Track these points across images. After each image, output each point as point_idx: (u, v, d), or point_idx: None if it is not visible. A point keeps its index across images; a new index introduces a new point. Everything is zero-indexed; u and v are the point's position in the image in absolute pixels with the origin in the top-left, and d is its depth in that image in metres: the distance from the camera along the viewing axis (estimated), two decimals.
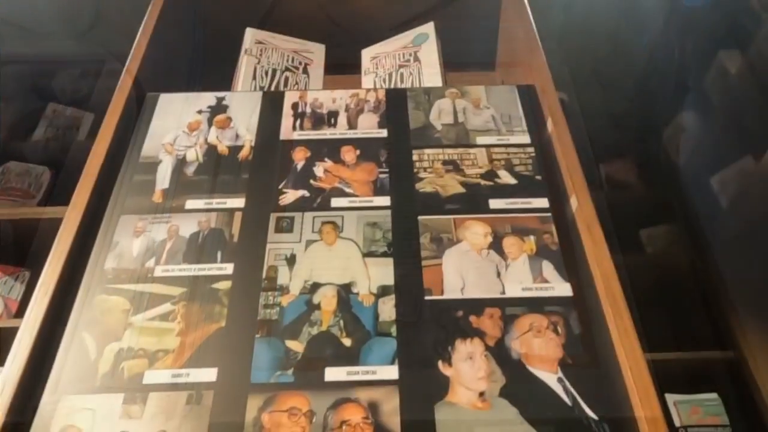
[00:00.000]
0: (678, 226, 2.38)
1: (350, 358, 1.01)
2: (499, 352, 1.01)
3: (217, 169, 1.27)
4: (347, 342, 1.03)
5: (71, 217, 1.18)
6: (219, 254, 1.13)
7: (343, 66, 1.80)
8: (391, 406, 0.95)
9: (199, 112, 1.39)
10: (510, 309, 1.06)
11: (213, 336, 1.03)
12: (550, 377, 0.99)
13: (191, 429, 0.93)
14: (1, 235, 2.10)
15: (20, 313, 1.79)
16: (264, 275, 1.10)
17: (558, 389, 0.98)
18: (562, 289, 1.09)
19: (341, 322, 1.05)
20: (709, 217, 2.19)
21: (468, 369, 1.00)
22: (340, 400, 0.96)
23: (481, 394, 0.98)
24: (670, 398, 2.01)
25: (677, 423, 1.95)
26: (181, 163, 1.29)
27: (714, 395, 1.98)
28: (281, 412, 0.95)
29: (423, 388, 0.97)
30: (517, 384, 0.98)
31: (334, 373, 0.99)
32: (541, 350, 1.02)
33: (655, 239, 2.51)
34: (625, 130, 2.64)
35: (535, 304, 1.07)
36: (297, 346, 1.02)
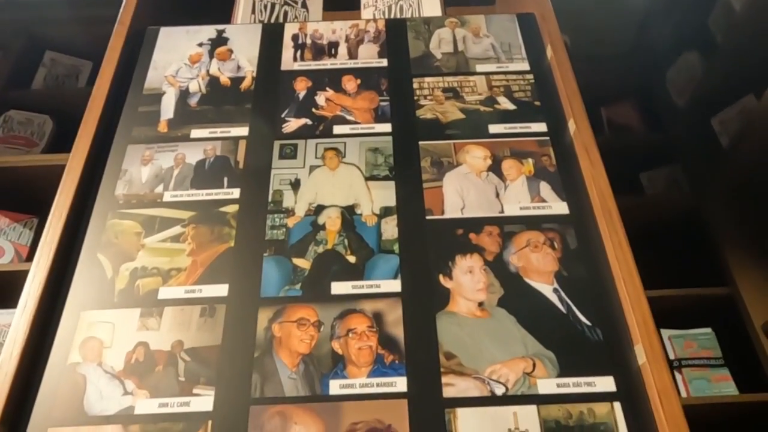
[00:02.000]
0: (678, 169, 2.40)
1: (355, 273, 1.05)
2: (498, 266, 1.06)
3: (220, 100, 1.29)
4: (352, 259, 1.07)
5: (73, 163, 1.20)
6: (225, 180, 1.17)
7: (341, 1, 1.78)
8: (394, 316, 1.01)
9: (200, 44, 1.40)
10: (508, 227, 1.10)
11: (223, 255, 1.08)
12: (546, 288, 1.04)
13: (206, 339, 0.99)
14: (7, 182, 2.14)
15: (31, 258, 1.83)
16: (270, 199, 1.14)
17: (554, 299, 1.03)
18: (559, 207, 1.12)
19: (346, 241, 1.09)
20: (709, 158, 2.20)
21: (468, 281, 1.04)
22: (346, 311, 1.01)
23: (480, 304, 1.03)
24: (665, 333, 2.08)
25: (671, 356, 2.02)
26: (184, 94, 1.31)
27: (708, 330, 2.05)
28: (291, 323, 1.00)
29: (425, 300, 1.02)
30: (515, 295, 1.03)
31: (339, 287, 1.04)
32: (538, 264, 1.06)
33: (655, 182, 2.53)
34: (627, 73, 2.62)
35: (532, 222, 1.10)
36: (304, 263, 1.07)
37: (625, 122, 2.60)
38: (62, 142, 2.24)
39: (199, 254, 1.07)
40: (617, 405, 0.92)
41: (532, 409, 0.92)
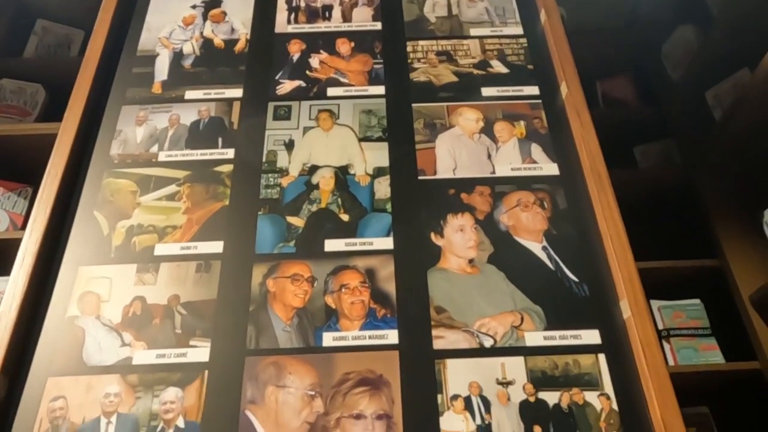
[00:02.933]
0: (671, 143, 2.41)
1: (348, 231, 1.07)
2: (488, 225, 1.08)
3: (214, 62, 1.29)
4: (345, 217, 1.09)
5: (68, 123, 1.20)
6: (220, 140, 1.18)
7: None
8: (386, 272, 1.03)
9: (194, 6, 1.39)
10: (499, 187, 1.12)
11: (218, 213, 1.09)
12: (535, 246, 1.06)
13: (202, 293, 1.01)
14: (1, 151, 2.13)
15: (25, 226, 1.84)
16: (264, 159, 1.15)
17: (542, 256, 1.05)
18: (550, 168, 1.14)
19: (339, 200, 1.11)
20: (703, 131, 2.21)
21: (459, 239, 1.06)
22: (339, 267, 1.03)
23: (471, 261, 1.05)
24: (655, 304, 2.11)
25: (660, 326, 2.06)
26: (178, 56, 1.31)
27: (696, 301, 2.08)
28: (285, 278, 1.02)
29: (416, 256, 1.04)
30: (504, 252, 1.05)
31: (333, 245, 1.06)
32: (527, 223, 1.08)
33: (648, 156, 2.54)
34: (623, 46, 2.61)
35: (523, 183, 1.12)
36: (298, 221, 1.09)
37: (620, 96, 2.60)
38: (55, 111, 2.23)
39: (194, 212, 1.09)
40: (602, 356, 0.95)
41: (520, 360, 0.95)
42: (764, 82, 1.78)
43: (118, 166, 1.15)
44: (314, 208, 1.09)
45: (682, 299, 2.06)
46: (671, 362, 1.95)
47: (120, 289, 1.01)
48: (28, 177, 2.10)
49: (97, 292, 1.01)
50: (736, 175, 2.12)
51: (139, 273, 1.03)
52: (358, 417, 0.91)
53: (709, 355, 1.97)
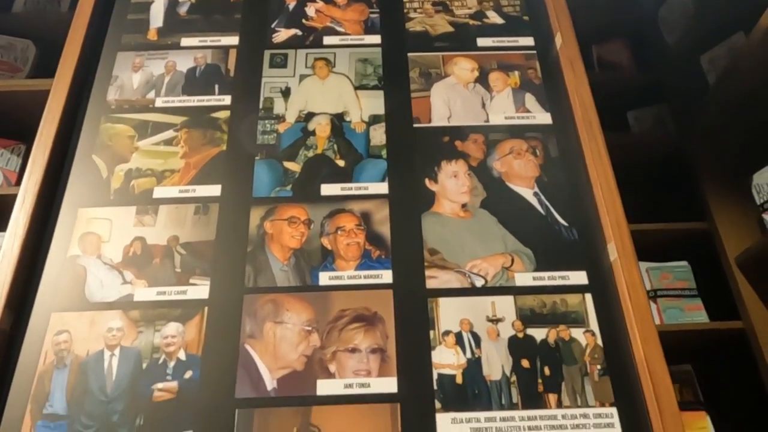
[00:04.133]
0: (665, 108, 2.42)
1: (344, 176, 1.09)
2: (481, 171, 1.10)
3: (209, 9, 1.29)
4: (341, 163, 1.11)
5: (64, 69, 1.20)
6: (216, 87, 1.18)
7: None
8: (381, 216, 1.05)
9: None
10: (493, 135, 1.14)
11: (215, 158, 1.11)
12: (527, 192, 1.09)
13: (201, 234, 1.03)
14: None
15: (19, 184, 1.84)
16: (261, 105, 1.16)
17: (534, 201, 1.08)
18: (543, 117, 1.16)
19: (335, 146, 1.12)
20: (696, 96, 2.23)
21: (452, 185, 1.09)
22: (335, 211, 1.06)
23: (464, 205, 1.07)
24: (643, 266, 2.15)
25: (648, 287, 2.11)
26: (173, 3, 1.30)
27: (684, 263, 2.12)
28: (282, 221, 1.05)
29: (411, 201, 1.07)
30: (497, 197, 1.08)
31: (329, 189, 1.08)
32: (519, 169, 1.10)
33: (641, 121, 2.56)
34: (619, 11, 2.60)
35: (516, 131, 1.14)
36: (294, 166, 1.10)
37: (615, 60, 2.60)
38: (45, 68, 2.20)
39: (192, 157, 1.10)
40: (588, 296, 0.99)
41: (509, 299, 0.98)
42: (758, 46, 1.78)
43: (115, 111, 1.15)
44: (310, 153, 1.11)
45: (671, 261, 2.11)
46: (657, 321, 2.00)
47: (120, 230, 1.03)
48: (20, 134, 2.08)
49: (97, 233, 1.03)
50: (727, 139, 2.14)
51: (138, 215, 1.05)
52: (354, 351, 0.94)
53: (694, 315, 2.03)
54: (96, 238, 1.02)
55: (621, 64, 2.60)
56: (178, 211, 1.05)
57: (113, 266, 1.00)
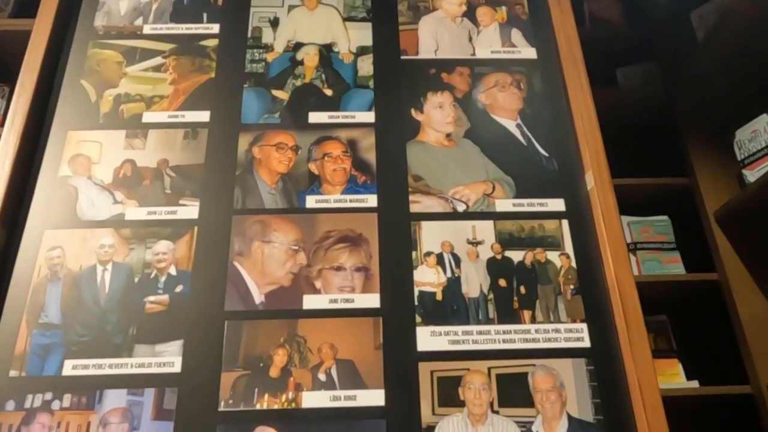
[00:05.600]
0: (653, 65, 2.44)
1: (331, 105, 1.11)
2: (466, 103, 1.13)
3: None
4: (328, 92, 1.13)
5: (43, 15, 1.17)
6: (205, 15, 1.18)
7: None
8: (368, 143, 1.08)
9: None
10: (478, 68, 1.16)
11: (204, 85, 1.12)
12: (510, 123, 1.12)
13: (190, 158, 1.05)
14: None
15: (2, 125, 1.81)
16: (249, 35, 1.17)
17: (516, 133, 1.11)
18: (528, 52, 1.18)
19: (323, 75, 1.14)
20: (685, 53, 2.24)
21: (437, 115, 1.11)
22: (322, 138, 1.08)
23: (448, 135, 1.10)
24: (625, 219, 2.21)
25: (628, 240, 2.17)
26: None
27: (664, 217, 2.18)
28: (270, 146, 1.07)
29: (396, 130, 1.09)
30: (480, 128, 1.11)
31: (316, 117, 1.10)
32: (504, 102, 1.13)
33: (630, 77, 2.57)
34: None
35: (501, 65, 1.16)
36: (282, 94, 1.12)
37: (606, 16, 2.59)
38: (27, 8, 2.15)
39: (180, 83, 1.11)
40: (565, 222, 1.03)
41: (489, 223, 1.02)
42: (747, 3, 1.80)
43: (102, 37, 1.15)
44: (298, 82, 1.13)
45: (653, 216, 2.16)
46: (636, 273, 2.07)
47: (110, 152, 1.05)
48: (3, 76, 2.06)
49: (87, 155, 1.05)
50: (713, 96, 2.17)
51: (128, 138, 1.06)
52: (339, 269, 0.98)
53: (672, 267, 2.10)
54: (86, 159, 1.04)
55: (612, 21, 2.59)
56: (168, 135, 1.07)
57: (104, 187, 1.02)
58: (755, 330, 1.83)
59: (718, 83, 2.15)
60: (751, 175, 1.91)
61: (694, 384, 1.83)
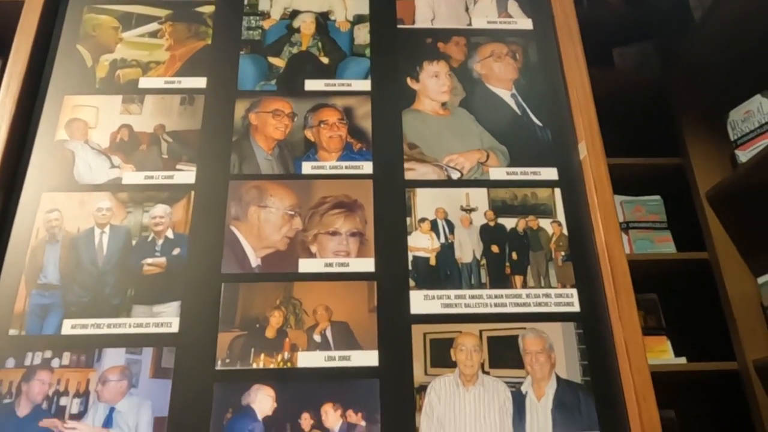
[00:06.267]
0: (650, 46, 2.44)
1: (328, 72, 1.12)
2: (462, 72, 1.13)
3: None
4: (325, 60, 1.13)
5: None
6: None
7: None
8: (363, 111, 1.09)
9: None
10: (474, 38, 1.16)
11: (200, 51, 1.12)
12: (505, 93, 1.13)
13: (187, 124, 1.06)
14: None
15: None
16: (246, 2, 1.17)
17: (511, 102, 1.12)
18: (524, 23, 1.18)
19: (319, 43, 1.14)
20: (681, 33, 2.24)
21: (433, 84, 1.12)
22: (318, 105, 1.09)
23: (443, 104, 1.11)
24: (618, 198, 2.23)
25: (621, 219, 2.19)
26: None
27: (657, 197, 2.20)
28: (266, 113, 1.08)
29: (392, 98, 1.10)
30: (476, 97, 1.11)
31: (313, 84, 1.10)
32: (499, 72, 1.14)
33: (626, 57, 2.58)
34: None
35: (497, 35, 1.17)
36: (279, 62, 1.12)
37: None
38: None
39: (177, 49, 1.11)
40: (557, 190, 1.05)
41: (483, 191, 1.04)
42: None
43: (98, 2, 1.15)
44: (295, 50, 1.13)
45: (646, 195, 2.18)
46: (627, 251, 2.09)
47: (106, 117, 1.06)
48: None
49: (84, 119, 1.05)
50: (708, 77, 2.18)
51: (124, 103, 1.07)
52: (334, 234, 1.00)
53: (663, 246, 2.13)
54: (83, 124, 1.04)
55: (610, 0, 2.59)
56: (164, 101, 1.07)
57: (101, 151, 1.03)
58: (743, 308, 1.87)
59: (713, 64, 2.16)
60: (744, 155, 1.93)
61: (682, 360, 1.87)
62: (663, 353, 1.96)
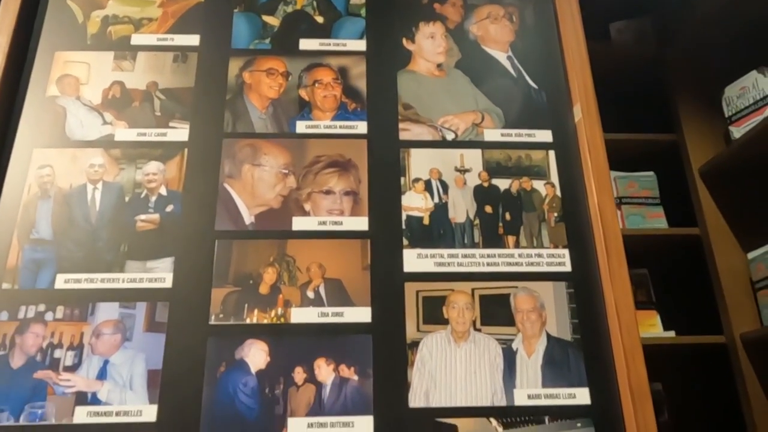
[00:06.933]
0: (647, 21, 2.42)
1: (323, 32, 1.10)
2: (458, 34, 1.12)
3: None
4: (320, 19, 1.12)
5: None
6: None
7: None
8: (358, 71, 1.08)
9: None
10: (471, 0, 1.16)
11: (193, 9, 1.10)
12: (501, 55, 1.12)
13: (180, 81, 1.05)
14: None
15: None
16: None
17: (506, 64, 1.11)
18: None
19: (314, 2, 1.13)
20: (678, 9, 2.23)
21: (429, 45, 1.11)
22: (313, 65, 1.08)
23: (439, 65, 1.10)
24: (611, 174, 2.24)
25: (614, 194, 2.20)
26: None
27: (650, 173, 2.21)
28: (260, 72, 1.07)
29: (387, 58, 1.09)
30: (471, 59, 1.11)
31: (307, 44, 1.09)
32: (495, 34, 1.13)
33: (623, 33, 2.56)
34: None
35: None
36: (273, 20, 1.11)
37: None
38: None
39: (169, 6, 1.10)
40: (552, 153, 1.05)
41: (477, 152, 1.04)
42: None
43: None
44: (289, 9, 1.11)
45: (640, 171, 2.19)
46: (620, 227, 2.10)
47: (98, 73, 1.04)
48: None
49: (75, 75, 1.04)
50: (704, 52, 2.18)
51: (116, 60, 1.05)
52: (328, 192, 1.00)
53: (655, 221, 2.14)
54: (74, 80, 1.03)
55: None
56: (157, 58, 1.06)
57: (93, 107, 1.02)
58: (732, 283, 1.89)
59: (709, 40, 2.15)
60: (738, 131, 1.93)
61: (671, 334, 1.90)
62: (652, 327, 1.99)
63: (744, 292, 1.87)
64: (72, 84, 1.02)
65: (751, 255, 1.85)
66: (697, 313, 1.99)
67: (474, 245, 0.97)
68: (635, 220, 2.13)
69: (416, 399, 0.88)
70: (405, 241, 0.97)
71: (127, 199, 0.96)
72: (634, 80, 2.32)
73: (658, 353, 1.73)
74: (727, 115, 2.00)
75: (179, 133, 1.00)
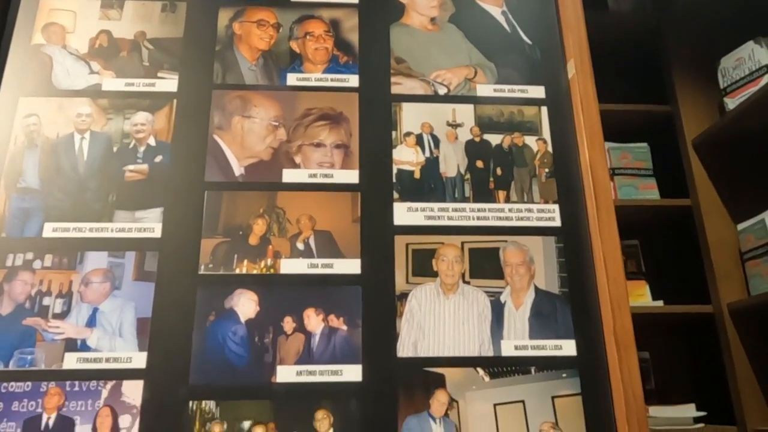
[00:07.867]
0: None
1: None
2: None
3: None
4: None
5: None
6: None
7: None
8: (350, 24, 1.06)
9: None
10: None
11: None
12: (496, 10, 1.11)
13: (168, 31, 1.03)
14: None
15: None
16: None
17: (501, 20, 1.10)
18: None
19: None
20: None
21: None
22: (304, 16, 1.06)
23: (432, 19, 1.09)
24: (605, 145, 2.23)
25: (608, 165, 2.20)
26: None
27: (644, 144, 2.21)
28: (251, 23, 1.05)
29: (380, 12, 1.07)
30: (465, 13, 1.09)
31: None
32: None
33: (620, 2, 2.54)
34: None
35: None
36: None
37: None
38: None
39: None
40: (544, 109, 1.04)
41: (469, 107, 1.03)
42: None
43: None
44: None
45: (634, 142, 2.19)
46: (612, 197, 2.11)
47: (84, 22, 1.02)
48: None
49: (61, 23, 1.02)
50: (701, 23, 2.16)
51: (103, 8, 1.03)
52: (318, 145, 0.99)
53: (647, 193, 2.15)
54: (60, 28, 1.01)
55: None
56: (145, 7, 1.04)
57: (79, 56, 1.00)
58: (721, 253, 1.91)
59: (706, 11, 2.13)
60: (732, 103, 1.93)
61: (659, 303, 1.92)
62: (641, 297, 2.01)
63: (733, 263, 1.88)
64: (58, 32, 1.00)
65: (740, 226, 1.87)
66: (686, 283, 2.01)
67: (464, 199, 0.97)
68: (628, 191, 2.14)
69: (404, 349, 0.89)
70: (395, 195, 0.96)
71: (115, 149, 0.95)
72: (631, 51, 2.31)
73: (646, 322, 1.75)
74: (722, 87, 1.99)
75: (168, 83, 0.99)
